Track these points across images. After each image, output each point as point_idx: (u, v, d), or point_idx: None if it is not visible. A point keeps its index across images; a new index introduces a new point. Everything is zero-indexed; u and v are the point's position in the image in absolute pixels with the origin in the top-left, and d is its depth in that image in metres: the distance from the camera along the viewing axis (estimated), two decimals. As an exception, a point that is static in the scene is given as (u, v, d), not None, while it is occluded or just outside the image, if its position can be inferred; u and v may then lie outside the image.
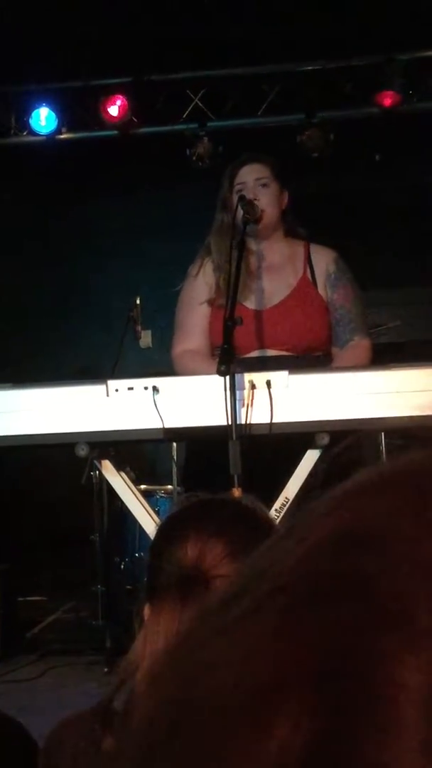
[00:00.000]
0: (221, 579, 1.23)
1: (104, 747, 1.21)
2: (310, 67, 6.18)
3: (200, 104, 6.29)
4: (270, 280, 3.45)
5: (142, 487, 5.11)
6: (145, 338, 5.81)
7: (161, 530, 1.37)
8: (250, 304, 3.36)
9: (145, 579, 1.36)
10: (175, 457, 5.08)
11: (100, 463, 2.96)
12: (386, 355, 4.56)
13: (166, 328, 3.70)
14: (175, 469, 5.10)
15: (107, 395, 2.82)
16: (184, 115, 6.32)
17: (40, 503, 6.43)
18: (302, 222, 3.63)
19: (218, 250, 3.45)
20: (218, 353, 2.74)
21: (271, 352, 3.31)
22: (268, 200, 3.42)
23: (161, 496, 5.31)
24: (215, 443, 2.77)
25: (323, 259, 3.50)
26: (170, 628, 1.17)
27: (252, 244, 3.43)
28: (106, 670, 4.71)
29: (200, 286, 3.47)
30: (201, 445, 3.25)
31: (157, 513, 4.41)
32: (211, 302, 3.42)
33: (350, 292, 3.47)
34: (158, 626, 1.19)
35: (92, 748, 1.23)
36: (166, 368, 3.65)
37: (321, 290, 3.45)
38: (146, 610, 1.33)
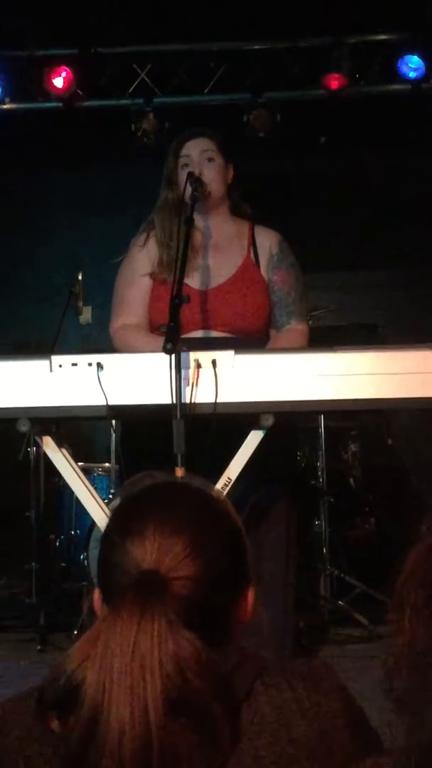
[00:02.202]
0: (180, 581, 1.21)
1: (52, 728, 1.20)
2: (257, 47, 6.16)
3: (146, 79, 6.23)
4: (214, 259, 3.43)
5: (80, 464, 5.07)
6: (86, 314, 5.73)
7: (116, 518, 1.33)
8: (194, 283, 3.34)
9: (98, 568, 1.32)
10: (113, 435, 5.05)
11: (41, 439, 2.92)
12: (325, 338, 4.59)
13: (106, 305, 3.65)
14: (114, 447, 5.07)
15: (50, 371, 2.78)
16: (130, 90, 6.26)
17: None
18: (247, 200, 3.62)
19: (162, 227, 3.42)
20: (164, 331, 2.71)
21: (212, 333, 3.30)
22: (213, 174, 3.41)
23: (99, 474, 5.29)
24: (151, 422, 2.76)
25: (267, 241, 3.49)
26: (128, 633, 1.15)
27: (198, 221, 3.40)
28: (39, 647, 4.68)
29: (143, 259, 3.44)
30: (136, 424, 3.23)
31: (95, 491, 4.39)
32: (153, 276, 3.39)
33: (291, 276, 3.46)
34: (115, 627, 1.16)
35: (38, 727, 1.21)
36: (106, 345, 3.62)
37: (263, 272, 3.45)
38: (97, 599, 1.31)
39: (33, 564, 5.23)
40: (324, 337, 4.63)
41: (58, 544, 5.37)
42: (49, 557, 5.34)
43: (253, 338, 3.34)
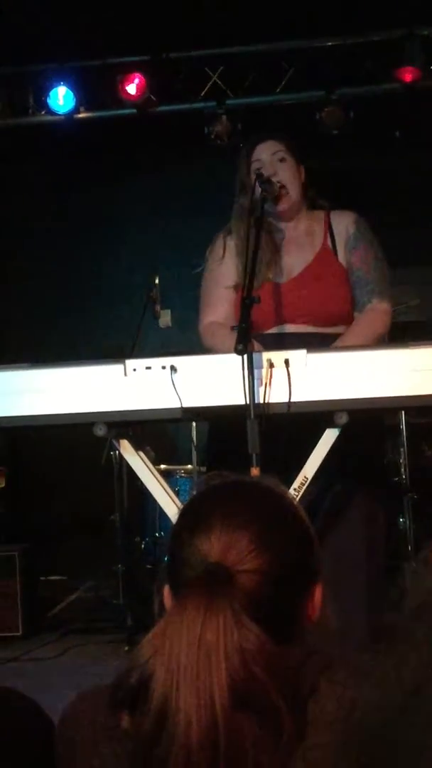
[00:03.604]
0: (245, 575, 1.22)
1: (122, 725, 1.21)
2: (329, 43, 6.13)
3: (219, 82, 6.25)
4: (291, 253, 3.40)
5: (162, 466, 5.13)
6: (165, 317, 5.79)
7: (185, 515, 1.34)
8: (274, 279, 3.33)
9: (167, 562, 1.34)
10: (194, 437, 5.09)
11: (118, 442, 2.94)
12: (405, 333, 4.54)
13: (185, 308, 3.68)
14: (194, 449, 5.11)
15: (125, 375, 2.80)
16: (203, 93, 6.29)
17: (61, 483, 6.45)
18: (324, 196, 3.58)
19: (239, 235, 3.41)
20: (236, 331, 2.71)
21: (291, 326, 3.27)
22: (287, 175, 3.37)
23: (181, 476, 5.33)
24: (238, 423, 2.76)
25: (343, 222, 3.43)
26: (194, 625, 1.16)
27: (276, 222, 3.39)
28: (126, 648, 4.74)
29: (228, 269, 3.42)
30: (224, 425, 3.23)
31: (177, 493, 4.42)
32: (236, 287, 3.38)
33: (369, 254, 3.38)
34: (181, 619, 1.18)
35: (111, 723, 1.23)
36: (186, 347, 3.63)
37: (341, 256, 3.38)
38: (167, 595, 1.32)
39: (119, 566, 5.30)
40: (404, 333, 4.59)
41: (143, 546, 5.43)
42: (135, 559, 5.40)
43: (333, 330, 3.29)
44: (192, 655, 1.15)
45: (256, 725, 1.14)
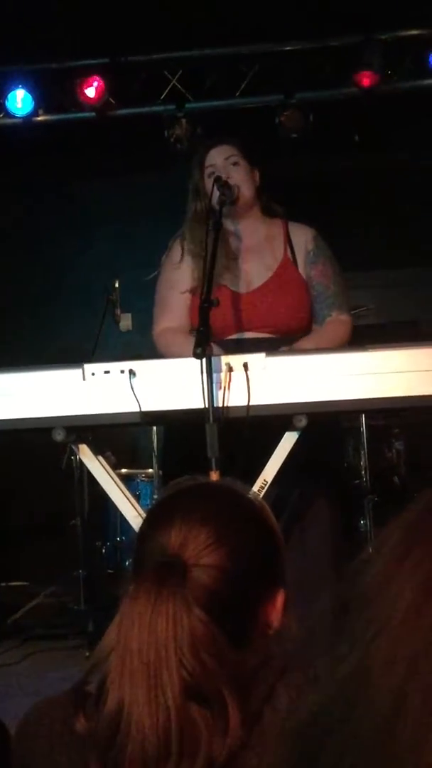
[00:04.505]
0: (202, 569, 1.22)
1: (77, 729, 1.21)
2: (288, 48, 6.14)
3: (178, 85, 6.24)
4: (250, 262, 3.41)
5: (123, 471, 5.11)
6: (125, 321, 5.76)
7: (149, 514, 1.37)
8: (231, 286, 3.33)
9: (131, 562, 1.36)
10: (155, 441, 5.08)
11: (77, 447, 2.93)
12: (365, 337, 4.57)
13: (146, 311, 3.67)
14: (155, 453, 5.10)
15: (84, 379, 2.80)
16: (162, 97, 6.27)
17: (21, 488, 6.41)
18: (279, 201, 3.60)
19: (193, 239, 3.42)
20: (194, 335, 2.71)
21: (250, 333, 3.28)
22: (240, 178, 3.39)
23: (142, 480, 5.31)
24: (193, 426, 2.76)
25: (302, 237, 3.48)
26: (144, 614, 1.17)
27: (230, 225, 3.40)
28: (87, 654, 4.70)
29: (184, 273, 3.42)
30: (179, 429, 3.24)
31: (138, 497, 4.41)
32: (193, 291, 3.38)
33: (329, 269, 3.43)
34: (133, 611, 1.18)
35: (67, 731, 1.23)
36: (147, 351, 3.62)
37: (301, 269, 3.42)
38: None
39: (80, 571, 5.27)
40: (364, 336, 4.61)
41: (104, 551, 5.41)
42: (96, 564, 5.37)
43: (292, 338, 3.32)
44: (143, 642, 1.16)
45: (208, 714, 1.15)
